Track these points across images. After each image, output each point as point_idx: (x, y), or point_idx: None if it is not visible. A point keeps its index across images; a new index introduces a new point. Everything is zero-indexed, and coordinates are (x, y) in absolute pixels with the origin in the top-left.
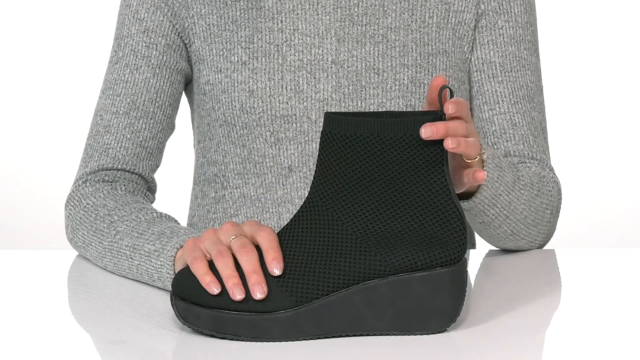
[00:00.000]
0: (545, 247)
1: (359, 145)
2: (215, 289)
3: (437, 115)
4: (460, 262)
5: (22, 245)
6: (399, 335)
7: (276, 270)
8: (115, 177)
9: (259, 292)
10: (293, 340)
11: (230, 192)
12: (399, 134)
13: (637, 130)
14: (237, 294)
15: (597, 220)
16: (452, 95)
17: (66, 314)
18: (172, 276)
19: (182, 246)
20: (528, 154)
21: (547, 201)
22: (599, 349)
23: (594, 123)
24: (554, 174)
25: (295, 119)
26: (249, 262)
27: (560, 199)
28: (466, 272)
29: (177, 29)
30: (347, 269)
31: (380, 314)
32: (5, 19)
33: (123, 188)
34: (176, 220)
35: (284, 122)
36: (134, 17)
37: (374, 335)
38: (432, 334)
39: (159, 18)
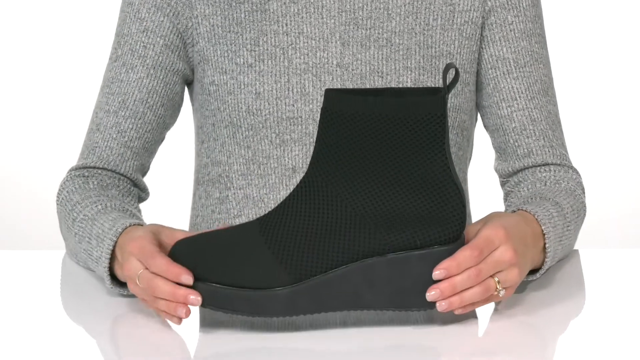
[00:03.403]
0: None
1: (359, 124)
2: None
3: (438, 91)
4: (458, 241)
5: (22, 245)
6: (397, 311)
7: (185, 279)
8: (95, 174)
9: (181, 315)
10: (291, 316)
11: (234, 193)
12: (399, 113)
13: (629, 130)
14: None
15: (598, 219)
16: (457, 76)
17: (68, 314)
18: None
19: (113, 250)
20: (549, 151)
21: (584, 213)
22: (603, 347)
23: (598, 123)
24: (574, 172)
25: (301, 121)
26: (163, 292)
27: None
28: None
29: (178, 29)
30: (346, 247)
31: (379, 292)
32: (4, 19)
33: (95, 182)
34: (111, 205)
35: (290, 124)
36: (135, 16)
37: (373, 310)
38: (430, 309)
39: (160, 18)
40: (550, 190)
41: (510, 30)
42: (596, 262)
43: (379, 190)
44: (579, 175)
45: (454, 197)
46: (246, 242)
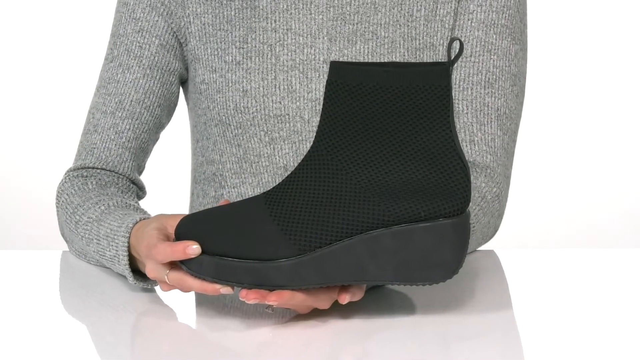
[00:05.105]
0: (485, 247)
1: (364, 95)
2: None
3: (443, 66)
4: (463, 214)
5: (22, 245)
6: (401, 284)
7: (191, 250)
8: (94, 174)
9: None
10: (295, 287)
11: (229, 192)
12: (404, 84)
13: (630, 130)
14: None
15: (589, 221)
16: (461, 50)
17: (68, 314)
18: (132, 277)
19: (129, 244)
20: (467, 147)
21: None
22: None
23: (590, 123)
24: (481, 175)
25: (289, 119)
26: (195, 290)
27: (499, 204)
28: (469, 223)
29: (172, 28)
30: (351, 219)
31: (383, 264)
32: (2, 19)
33: (94, 182)
34: (116, 202)
35: (278, 122)
36: (130, 16)
37: (375, 282)
38: (435, 284)
39: (154, 18)
40: None
41: (468, 20)
42: (516, 262)
43: (383, 162)
44: (490, 179)
45: (459, 169)
46: (251, 215)
